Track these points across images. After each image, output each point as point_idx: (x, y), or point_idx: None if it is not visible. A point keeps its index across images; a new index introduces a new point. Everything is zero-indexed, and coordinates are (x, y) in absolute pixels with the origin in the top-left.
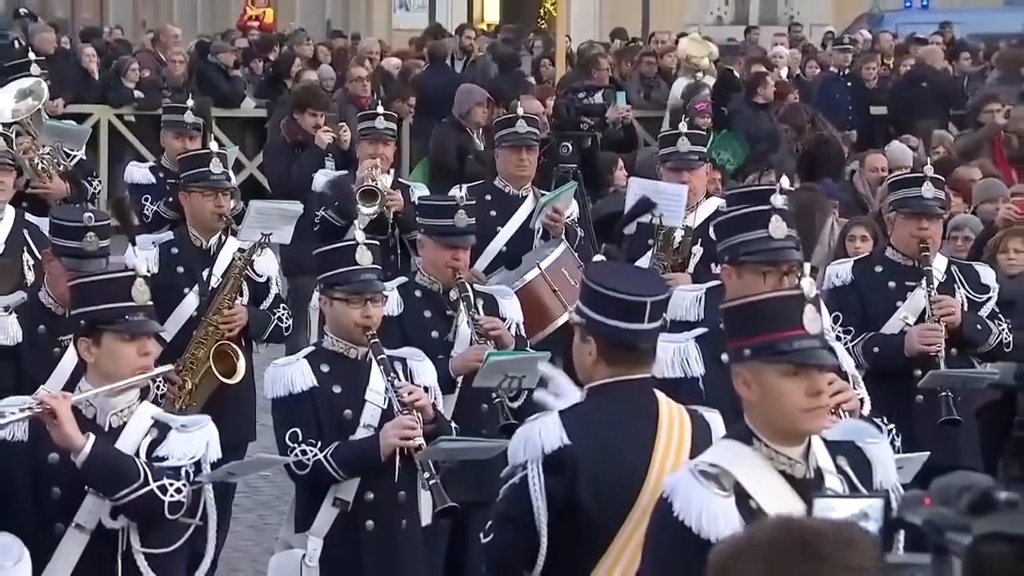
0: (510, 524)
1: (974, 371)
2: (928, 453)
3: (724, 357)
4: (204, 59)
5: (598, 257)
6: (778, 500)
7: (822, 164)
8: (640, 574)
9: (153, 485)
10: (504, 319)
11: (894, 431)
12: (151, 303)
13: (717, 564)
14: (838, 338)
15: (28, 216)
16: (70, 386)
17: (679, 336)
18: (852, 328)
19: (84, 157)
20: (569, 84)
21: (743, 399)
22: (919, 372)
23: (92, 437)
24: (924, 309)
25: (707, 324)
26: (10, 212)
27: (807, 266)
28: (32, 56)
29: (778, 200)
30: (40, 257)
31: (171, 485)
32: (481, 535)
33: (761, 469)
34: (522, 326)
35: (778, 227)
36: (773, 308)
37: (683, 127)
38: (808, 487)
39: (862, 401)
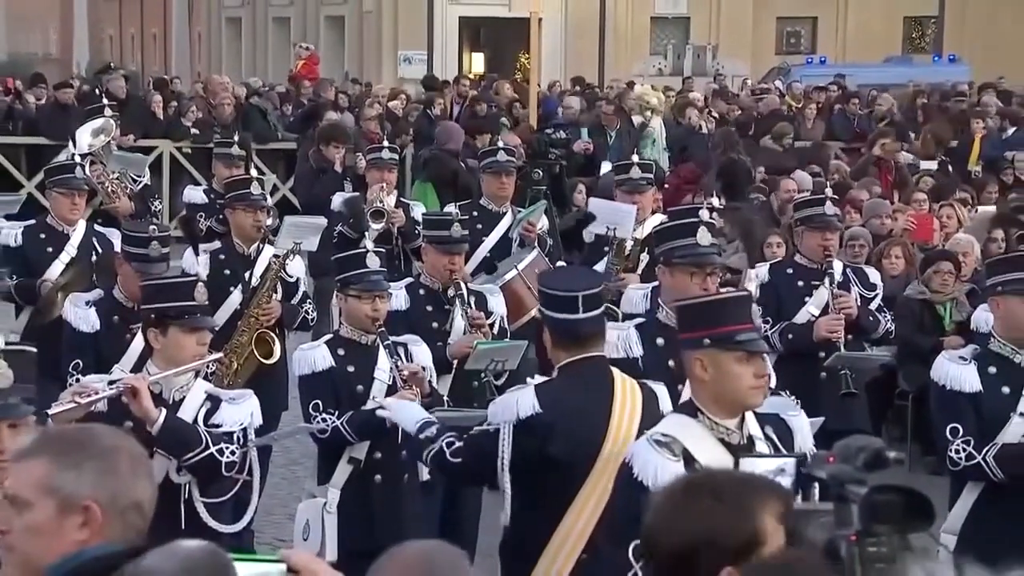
0: (475, 454)
1: (870, 354)
2: (824, 418)
3: (659, 341)
4: (248, 102)
5: (560, 264)
6: (718, 463)
7: (733, 178)
8: (605, 521)
9: (212, 449)
10: (492, 313)
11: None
12: (208, 303)
13: None
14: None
15: (97, 227)
16: (138, 366)
17: (623, 324)
18: (770, 318)
19: (149, 182)
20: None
21: (696, 378)
22: (823, 354)
23: (164, 411)
24: (826, 303)
25: (646, 315)
26: (81, 224)
27: (751, 271)
28: (105, 101)
29: (704, 214)
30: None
31: (227, 448)
32: (445, 448)
33: (704, 438)
34: (505, 318)
35: (704, 236)
36: (730, 306)
37: (635, 158)
38: (742, 451)
39: (769, 376)
